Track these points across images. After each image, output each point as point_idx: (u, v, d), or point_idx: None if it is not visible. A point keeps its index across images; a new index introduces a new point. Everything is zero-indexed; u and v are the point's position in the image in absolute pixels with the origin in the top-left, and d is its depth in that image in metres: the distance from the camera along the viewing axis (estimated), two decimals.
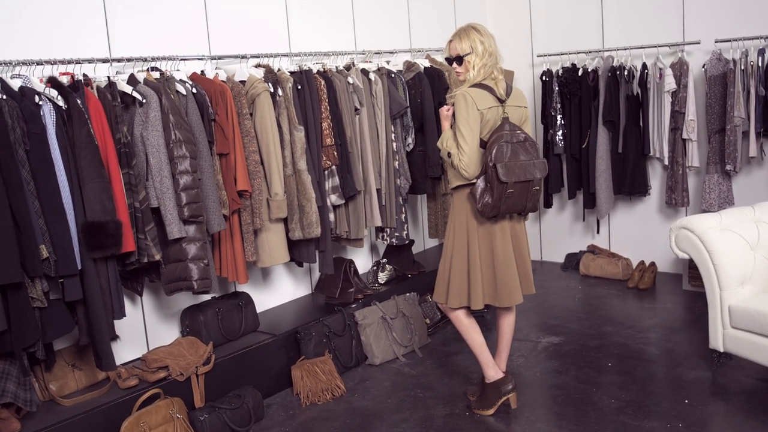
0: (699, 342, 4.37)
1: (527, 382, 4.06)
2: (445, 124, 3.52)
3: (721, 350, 3.86)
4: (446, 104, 3.57)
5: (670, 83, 5.31)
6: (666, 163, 5.51)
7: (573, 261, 6.29)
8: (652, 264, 5.80)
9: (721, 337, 3.84)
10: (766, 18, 5.08)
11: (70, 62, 3.48)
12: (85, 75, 3.45)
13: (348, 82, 4.56)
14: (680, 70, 5.32)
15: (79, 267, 3.18)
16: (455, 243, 3.56)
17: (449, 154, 3.42)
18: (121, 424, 3.29)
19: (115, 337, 3.44)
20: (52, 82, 3.26)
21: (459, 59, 3.45)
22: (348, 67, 4.72)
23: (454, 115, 3.46)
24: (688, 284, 5.45)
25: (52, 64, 3.42)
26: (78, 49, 3.62)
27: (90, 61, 3.57)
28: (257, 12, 4.54)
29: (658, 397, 3.74)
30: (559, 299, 5.53)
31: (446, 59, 3.57)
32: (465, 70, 3.47)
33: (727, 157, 5.08)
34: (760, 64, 4.92)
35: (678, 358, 4.20)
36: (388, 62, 5.09)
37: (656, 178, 5.81)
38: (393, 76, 4.95)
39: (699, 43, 5.36)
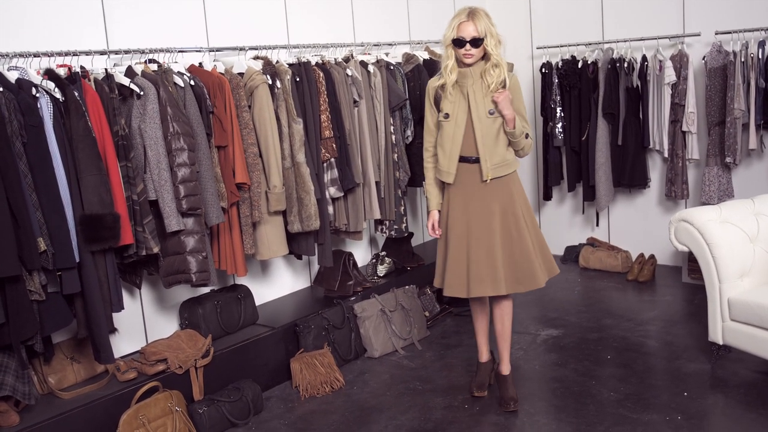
0: (698, 335, 4.37)
1: (526, 375, 4.06)
2: (510, 111, 3.43)
3: (721, 343, 3.86)
4: (489, 90, 3.46)
5: (670, 75, 5.29)
6: (666, 155, 5.50)
7: (572, 254, 6.28)
8: (652, 256, 5.79)
9: (720, 329, 3.84)
10: (767, 10, 5.06)
11: (67, 54, 3.46)
12: (82, 67, 3.44)
13: (347, 75, 4.54)
14: (680, 62, 5.30)
15: (77, 260, 3.17)
16: (533, 223, 3.63)
17: (527, 135, 3.51)
18: (119, 417, 3.29)
19: (113, 330, 3.43)
20: (50, 74, 3.25)
21: (477, 41, 3.39)
22: (347, 59, 4.70)
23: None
24: (688, 277, 5.45)
25: (49, 56, 3.40)
26: (75, 41, 3.61)
27: (87, 53, 3.55)
28: (256, 4, 4.52)
29: (657, 390, 3.73)
30: (559, 292, 5.53)
31: (456, 40, 3.40)
32: (480, 54, 3.43)
33: (727, 150, 5.06)
34: (760, 56, 4.91)
35: (677, 351, 4.20)
36: (387, 54, 5.08)
37: (656, 171, 5.80)
38: (392, 68, 4.94)
39: (699, 35, 5.34)
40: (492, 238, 3.51)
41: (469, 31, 3.38)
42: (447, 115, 3.51)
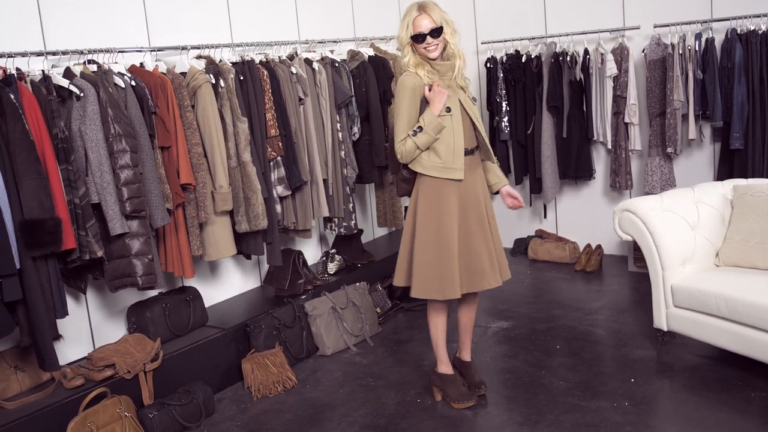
0: (644, 322, 4.46)
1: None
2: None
3: (665, 329, 3.94)
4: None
5: (611, 68, 5.38)
6: (609, 147, 5.60)
7: (521, 246, 6.35)
8: (599, 247, 5.89)
9: (664, 316, 3.92)
10: (703, 3, 5.18)
11: (1, 56, 3.37)
12: (18, 69, 3.35)
13: (291, 72, 4.51)
14: (621, 55, 5.40)
15: (18, 266, 3.09)
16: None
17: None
18: (67, 425, 3.22)
19: (58, 337, 3.36)
20: None
21: (436, 31, 3.34)
22: (291, 57, 4.68)
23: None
24: (634, 266, 5.55)
25: None
26: (10, 42, 3.51)
27: (23, 54, 3.46)
28: (197, 2, 4.46)
29: (605, 377, 3.80)
30: (508, 284, 5.48)
31: (415, 36, 3.34)
32: (443, 44, 3.41)
33: (668, 140, 5.17)
34: (697, 49, 5.02)
35: (624, 339, 4.28)
36: (331, 51, 5.06)
37: (600, 162, 5.90)
38: (337, 65, 4.93)
39: (639, 28, 5.44)
40: (485, 227, 3.52)
41: (425, 24, 3.34)
42: (449, 109, 3.37)
